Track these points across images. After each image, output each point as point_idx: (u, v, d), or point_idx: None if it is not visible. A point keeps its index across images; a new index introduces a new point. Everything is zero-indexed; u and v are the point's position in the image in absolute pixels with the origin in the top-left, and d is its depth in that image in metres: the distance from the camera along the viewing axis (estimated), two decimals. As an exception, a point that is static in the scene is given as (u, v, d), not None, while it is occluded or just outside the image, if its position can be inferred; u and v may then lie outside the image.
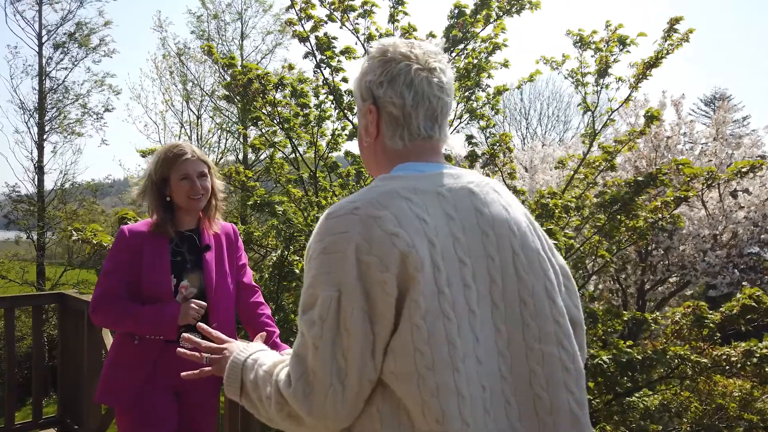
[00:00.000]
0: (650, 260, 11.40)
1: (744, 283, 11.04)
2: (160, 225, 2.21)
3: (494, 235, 1.12)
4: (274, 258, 6.02)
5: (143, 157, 7.69)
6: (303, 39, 6.47)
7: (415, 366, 0.99)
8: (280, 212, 7.32)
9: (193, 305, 2.12)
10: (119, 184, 23.85)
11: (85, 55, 16.17)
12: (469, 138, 7.90)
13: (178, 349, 1.46)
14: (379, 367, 1.03)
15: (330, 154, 7.92)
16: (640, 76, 6.01)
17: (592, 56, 6.20)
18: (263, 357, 1.24)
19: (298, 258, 5.96)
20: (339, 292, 1.01)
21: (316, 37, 6.49)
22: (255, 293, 2.40)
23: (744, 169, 6.02)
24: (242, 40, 20.54)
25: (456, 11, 6.22)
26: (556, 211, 5.78)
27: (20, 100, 16.03)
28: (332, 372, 1.01)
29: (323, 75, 6.71)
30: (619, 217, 5.71)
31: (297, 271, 5.92)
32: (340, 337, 1.01)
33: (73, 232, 4.80)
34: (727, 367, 4.53)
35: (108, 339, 3.57)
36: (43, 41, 15.93)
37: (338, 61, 6.68)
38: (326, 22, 6.39)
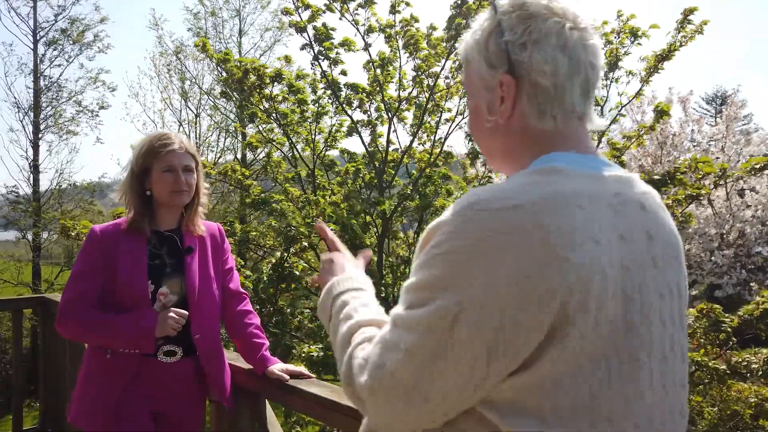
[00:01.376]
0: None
1: (752, 284, 10.83)
2: (137, 222, 1.97)
3: (663, 267, 0.89)
4: (273, 259, 5.79)
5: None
6: (300, 29, 6.24)
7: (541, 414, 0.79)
8: (278, 210, 7.12)
9: (172, 314, 1.88)
10: (119, 183, 23.66)
11: (80, 52, 15.95)
12: (469, 135, 7.68)
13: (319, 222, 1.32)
14: (478, 399, 0.82)
15: (327, 153, 7.70)
16: (652, 70, 5.78)
17: (601, 48, 5.96)
18: (352, 304, 1.05)
19: (297, 259, 5.73)
20: (461, 308, 0.77)
21: (314, 28, 6.25)
22: (242, 301, 2.16)
23: (758, 166, 5.80)
24: (240, 37, 20.32)
25: (459, 1, 5.99)
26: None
27: (15, 98, 15.83)
28: (414, 385, 0.82)
29: (321, 67, 6.47)
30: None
31: (297, 272, 5.71)
32: (440, 360, 0.79)
33: (65, 230, 4.57)
34: (748, 375, 4.30)
35: (87, 347, 3.35)
36: (38, 38, 15.71)
37: (337, 53, 6.44)
38: (324, 12, 6.15)
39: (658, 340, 0.86)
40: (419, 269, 0.84)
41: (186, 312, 1.92)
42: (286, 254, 5.60)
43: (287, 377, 1.94)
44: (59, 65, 15.96)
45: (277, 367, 1.99)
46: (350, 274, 1.14)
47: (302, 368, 1.99)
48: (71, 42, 15.70)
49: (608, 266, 0.80)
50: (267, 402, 2.16)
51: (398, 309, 0.87)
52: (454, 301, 0.78)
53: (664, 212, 0.95)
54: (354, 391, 0.89)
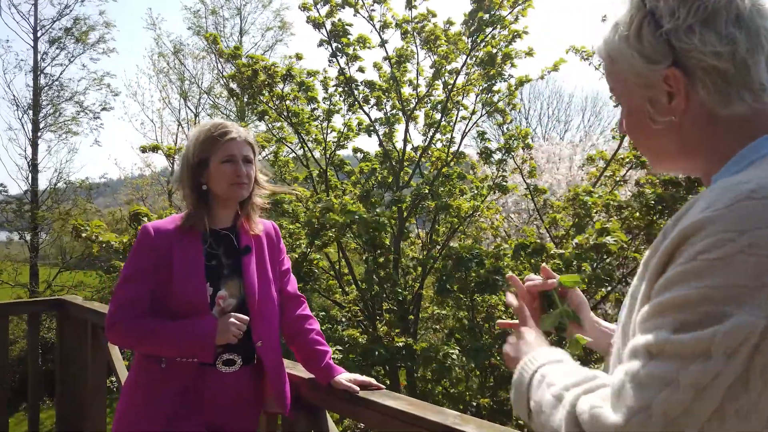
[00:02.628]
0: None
1: None
2: (193, 219, 1.81)
3: None
4: (296, 256, 5.60)
5: (144, 153, 7.30)
6: (318, 25, 6.09)
7: None
8: (290, 212, 6.96)
9: (233, 320, 1.73)
10: (114, 183, 23.35)
11: (83, 51, 15.75)
12: (482, 134, 7.56)
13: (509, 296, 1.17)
14: None
15: (338, 152, 7.56)
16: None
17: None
18: (552, 373, 0.89)
19: (318, 256, 5.56)
20: None
21: (332, 23, 6.11)
22: (301, 304, 2.00)
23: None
24: (241, 36, 20.17)
25: (481, -7, 5.86)
26: (594, 210, 5.43)
27: (13, 95, 15.63)
28: (698, 428, 0.65)
29: (339, 64, 6.33)
30: (655, 217, 5.37)
31: (317, 271, 5.54)
32: (743, 394, 0.64)
33: (77, 230, 4.40)
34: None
35: (115, 353, 3.18)
36: (38, 36, 15.49)
37: (354, 49, 6.30)
38: (342, 7, 6.00)
39: None
40: (684, 281, 0.69)
41: (247, 317, 1.77)
42: (309, 249, 5.40)
43: (357, 389, 1.78)
44: (61, 64, 15.76)
45: (344, 377, 1.83)
46: (543, 349, 0.99)
47: (371, 379, 1.84)
48: (75, 41, 15.50)
49: None
50: (328, 416, 2.01)
51: (654, 336, 0.69)
52: (760, 313, 0.63)
53: None
54: None
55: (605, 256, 4.75)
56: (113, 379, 5.21)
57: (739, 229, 0.66)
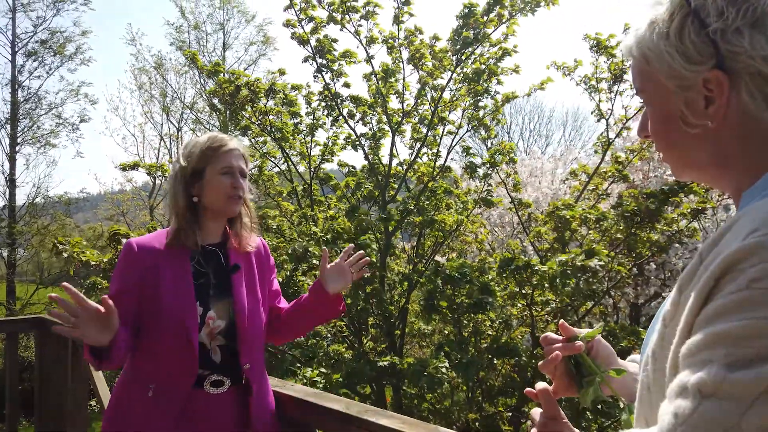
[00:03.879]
0: (645, 275, 11.18)
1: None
2: (183, 233, 1.75)
3: None
4: (280, 279, 5.57)
5: (123, 171, 7.19)
6: (303, 42, 6.10)
7: None
8: (274, 228, 6.91)
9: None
10: (94, 198, 23.03)
11: (60, 64, 15.61)
12: (467, 149, 7.59)
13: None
14: None
15: (322, 166, 7.54)
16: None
17: (605, 62, 5.94)
18: None
19: (304, 279, 5.51)
20: None
21: (318, 40, 6.11)
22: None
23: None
24: (224, 51, 20.14)
25: (466, 11, 5.91)
26: (574, 223, 5.46)
27: (-9, 110, 15.40)
28: None
29: (324, 80, 6.33)
30: (634, 230, 5.43)
31: (302, 292, 5.48)
32: None
33: (58, 246, 4.30)
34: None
35: (97, 373, 3.11)
36: (16, 50, 15.32)
37: (339, 65, 6.31)
38: (327, 24, 6.02)
39: None
40: (738, 311, 0.63)
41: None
42: (294, 273, 5.37)
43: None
44: (39, 77, 15.61)
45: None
46: None
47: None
48: (52, 53, 15.36)
49: None
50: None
51: (707, 372, 0.62)
52: None
53: None
54: None
55: (590, 277, 4.77)
56: (92, 403, 5.09)
57: None
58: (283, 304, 1.97)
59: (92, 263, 4.23)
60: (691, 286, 0.70)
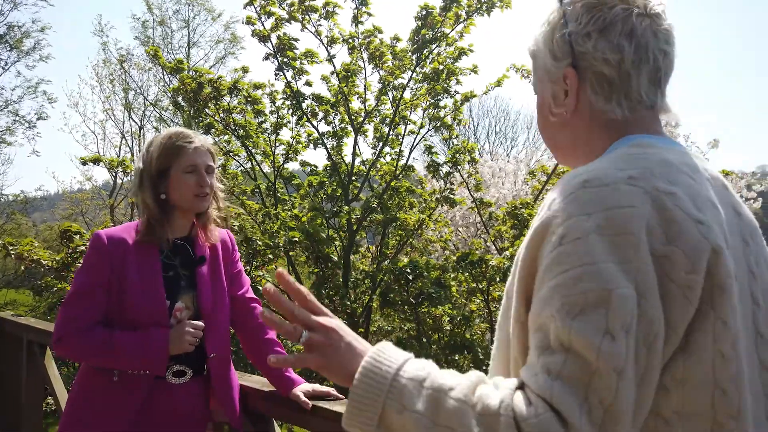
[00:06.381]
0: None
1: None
2: (153, 229, 1.76)
3: (753, 245, 0.87)
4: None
5: (84, 164, 7.08)
6: (263, 38, 6.09)
7: (713, 409, 0.74)
8: (236, 227, 6.88)
9: (188, 328, 1.70)
10: (52, 197, 22.43)
11: (17, 59, 15.17)
12: (429, 148, 7.69)
13: (260, 309, 0.98)
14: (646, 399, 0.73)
15: (286, 165, 7.53)
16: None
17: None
18: (438, 374, 0.78)
19: (261, 274, 5.52)
20: (637, 291, 0.70)
21: (278, 37, 6.12)
22: (258, 310, 1.97)
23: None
24: (189, 49, 19.88)
25: (423, 12, 6.00)
26: (530, 221, 5.61)
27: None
28: (633, 399, 0.69)
29: (285, 78, 6.33)
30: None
31: (260, 288, 5.49)
32: (643, 354, 0.70)
33: (6, 247, 4.22)
34: None
35: (53, 372, 3.07)
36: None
37: (300, 63, 6.33)
38: (289, 21, 6.03)
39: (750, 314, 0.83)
40: (560, 264, 0.72)
41: (202, 324, 1.75)
42: (248, 268, 5.37)
43: (309, 405, 1.76)
44: (-6, 72, 15.14)
45: (302, 388, 1.82)
46: (377, 348, 0.83)
47: (330, 389, 1.83)
48: (9, 48, 14.91)
49: (728, 234, 0.79)
50: (276, 425, 2.01)
51: (555, 325, 0.71)
52: (629, 284, 0.69)
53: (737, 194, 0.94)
54: None
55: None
56: (50, 401, 4.99)
57: (589, 209, 0.73)
58: (249, 291, 1.98)
59: (44, 263, 4.15)
60: (523, 255, 0.81)
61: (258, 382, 1.99)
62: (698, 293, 0.73)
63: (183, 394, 1.79)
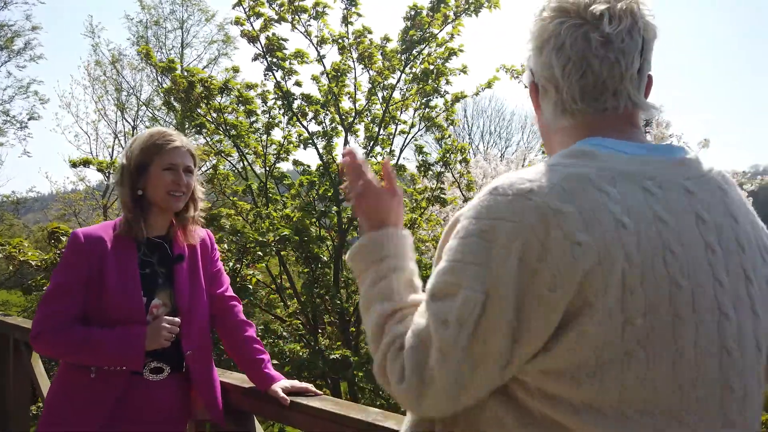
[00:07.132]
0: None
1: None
2: (130, 226, 1.80)
3: (721, 252, 0.86)
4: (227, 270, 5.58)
5: (74, 167, 7.06)
6: (252, 39, 6.10)
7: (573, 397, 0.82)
8: (227, 227, 6.88)
9: (164, 324, 1.72)
10: (45, 198, 22.33)
11: (8, 59, 15.12)
12: (420, 148, 7.71)
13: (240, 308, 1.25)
14: (508, 377, 0.85)
15: (278, 165, 7.53)
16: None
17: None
18: (387, 283, 1.00)
19: (251, 272, 5.53)
20: (486, 296, 0.79)
21: (267, 38, 6.13)
22: (236, 308, 1.99)
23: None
24: (183, 49, 19.86)
25: (412, 13, 6.03)
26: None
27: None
28: (454, 379, 0.83)
29: (275, 78, 6.35)
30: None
31: (251, 287, 5.52)
32: (474, 347, 0.81)
33: (-5, 248, 4.22)
34: None
35: (39, 370, 3.08)
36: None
37: (290, 63, 6.34)
38: (279, 22, 6.05)
39: (714, 330, 0.82)
40: (443, 250, 0.87)
41: (178, 320, 1.77)
42: (239, 266, 5.38)
43: (288, 401, 1.78)
44: (-16, 72, 15.08)
45: (281, 384, 1.84)
46: (402, 233, 1.07)
47: (309, 385, 1.86)
48: (-1, 48, 14.88)
49: (634, 249, 0.79)
50: (257, 421, 2.03)
51: (426, 297, 0.88)
52: (480, 288, 0.79)
53: (721, 193, 0.91)
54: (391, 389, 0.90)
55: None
56: (40, 404, 4.99)
57: (479, 215, 0.83)
58: (224, 286, 2.01)
59: (32, 263, 4.16)
60: (440, 241, 0.95)
61: (238, 378, 2.01)
62: (560, 308, 0.78)
63: (161, 391, 1.80)
